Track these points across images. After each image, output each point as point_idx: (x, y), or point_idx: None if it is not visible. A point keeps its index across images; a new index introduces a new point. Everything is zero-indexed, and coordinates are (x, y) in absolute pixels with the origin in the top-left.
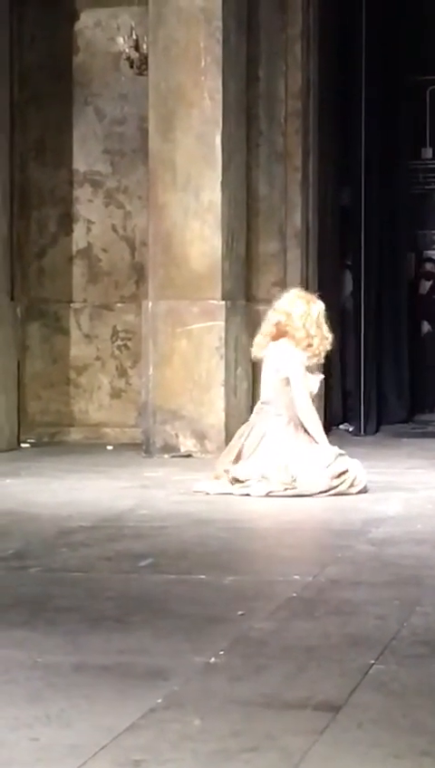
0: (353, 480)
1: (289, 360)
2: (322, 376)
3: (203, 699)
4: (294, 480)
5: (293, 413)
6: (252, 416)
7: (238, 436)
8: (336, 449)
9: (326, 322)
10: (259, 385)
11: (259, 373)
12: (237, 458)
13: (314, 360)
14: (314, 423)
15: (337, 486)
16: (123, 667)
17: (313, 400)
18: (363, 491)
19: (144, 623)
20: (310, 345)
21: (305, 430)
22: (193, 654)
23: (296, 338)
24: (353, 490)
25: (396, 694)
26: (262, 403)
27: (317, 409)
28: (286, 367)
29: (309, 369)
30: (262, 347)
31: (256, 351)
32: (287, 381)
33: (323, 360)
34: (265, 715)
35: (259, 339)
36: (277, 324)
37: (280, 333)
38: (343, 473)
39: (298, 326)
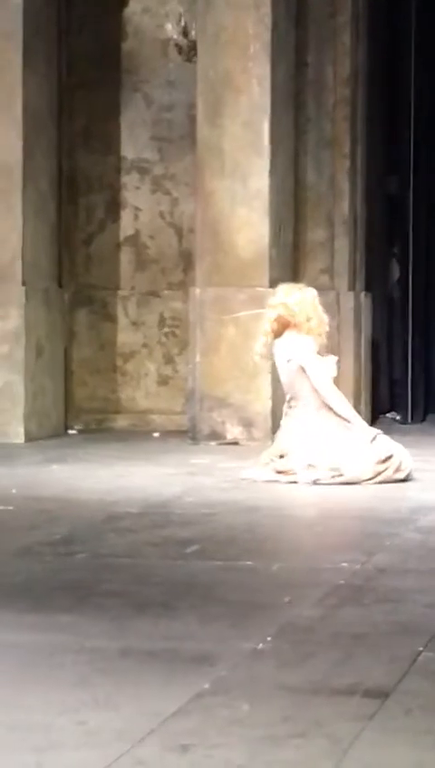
0: (399, 465)
1: (298, 349)
2: (335, 357)
3: (250, 685)
4: (340, 468)
5: (318, 399)
6: (283, 419)
7: (279, 434)
8: (372, 429)
9: (321, 306)
10: None
11: None
12: (282, 456)
13: (320, 341)
14: (343, 405)
15: (383, 472)
16: (170, 652)
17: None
18: (409, 477)
19: (191, 609)
20: (311, 328)
21: (336, 414)
22: (240, 640)
23: (299, 324)
24: (400, 475)
25: None
26: (287, 403)
27: (357, 395)
28: (297, 355)
29: (320, 354)
30: (266, 344)
31: (261, 352)
32: (302, 370)
33: (325, 341)
34: (313, 701)
35: (262, 340)
36: (277, 318)
37: (282, 327)
38: (388, 458)
39: (296, 312)
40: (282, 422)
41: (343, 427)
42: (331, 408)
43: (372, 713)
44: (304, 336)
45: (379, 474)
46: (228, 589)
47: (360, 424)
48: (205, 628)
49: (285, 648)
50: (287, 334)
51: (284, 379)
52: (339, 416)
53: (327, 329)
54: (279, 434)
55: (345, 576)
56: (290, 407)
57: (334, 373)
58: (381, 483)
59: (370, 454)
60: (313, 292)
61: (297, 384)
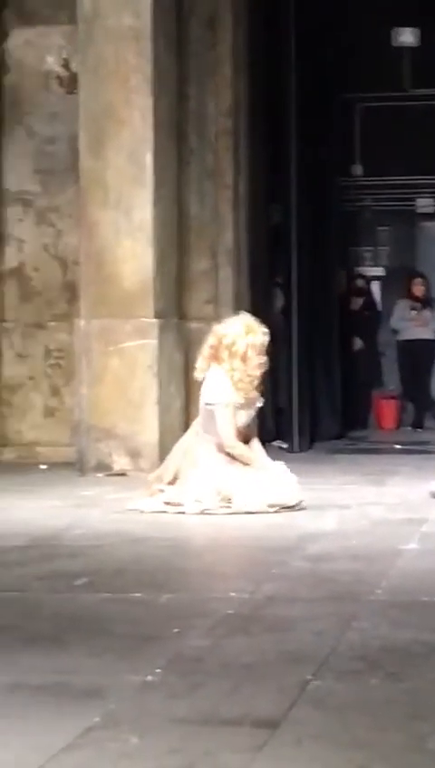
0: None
1: (214, 391)
2: (254, 407)
3: (140, 717)
4: (229, 500)
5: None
6: (187, 434)
7: (172, 456)
8: (278, 464)
9: (259, 356)
10: (193, 402)
11: (193, 391)
12: (173, 480)
13: (240, 394)
14: (241, 455)
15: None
16: (59, 686)
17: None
18: (298, 506)
19: (80, 642)
20: (232, 377)
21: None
22: (129, 672)
23: (223, 365)
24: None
25: (334, 709)
26: (197, 422)
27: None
28: (211, 397)
29: (244, 402)
30: (202, 369)
31: (197, 373)
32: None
33: (250, 394)
34: (202, 732)
35: (199, 361)
36: (211, 347)
37: (214, 357)
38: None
39: (222, 356)
40: (186, 436)
41: (243, 467)
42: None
43: (262, 743)
44: (225, 377)
45: (270, 506)
46: (117, 621)
47: (267, 465)
48: (94, 662)
49: (174, 679)
50: (215, 368)
51: (200, 409)
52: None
53: (254, 382)
54: (177, 447)
55: (234, 606)
56: (198, 432)
57: (243, 423)
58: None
59: (262, 486)
60: (255, 339)
61: (207, 421)
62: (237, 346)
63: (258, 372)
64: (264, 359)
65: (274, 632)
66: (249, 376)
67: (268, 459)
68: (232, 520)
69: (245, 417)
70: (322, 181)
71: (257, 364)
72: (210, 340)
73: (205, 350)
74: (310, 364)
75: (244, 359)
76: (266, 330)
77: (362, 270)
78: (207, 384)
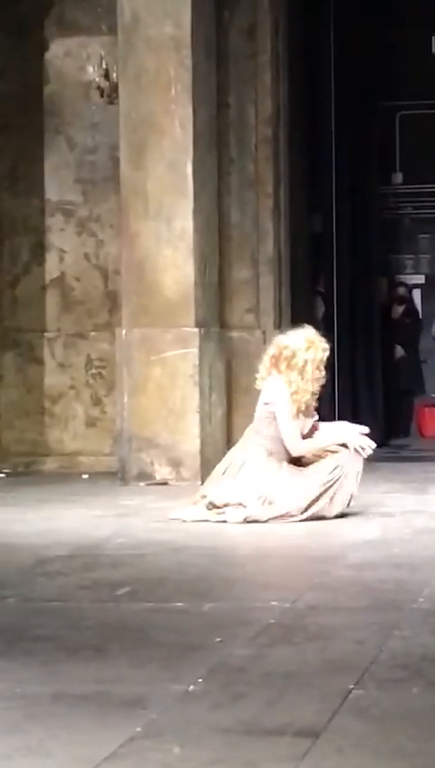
0: (333, 497)
1: (277, 396)
2: (313, 419)
3: (182, 727)
4: (271, 504)
5: (276, 447)
6: (241, 439)
7: (217, 471)
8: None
9: (317, 371)
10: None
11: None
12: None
13: (295, 406)
14: (309, 450)
15: (314, 505)
16: (102, 696)
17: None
18: (343, 512)
19: (122, 652)
20: (289, 388)
21: (292, 461)
22: (171, 682)
23: (282, 376)
24: (332, 510)
25: (376, 718)
26: (250, 429)
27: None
28: (274, 401)
29: (302, 411)
30: (262, 378)
31: (257, 382)
32: (274, 416)
33: (304, 407)
34: (245, 742)
35: (260, 369)
36: (272, 357)
37: (274, 366)
38: (323, 493)
39: (281, 367)
40: (240, 441)
41: (291, 474)
42: (285, 459)
43: (304, 752)
44: (284, 386)
45: (310, 506)
46: (160, 630)
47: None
48: (136, 671)
49: (217, 688)
50: (277, 375)
51: (256, 413)
52: (295, 463)
53: (308, 396)
54: (229, 452)
55: (276, 615)
56: (249, 437)
57: (305, 431)
58: (312, 518)
59: (302, 488)
60: (314, 354)
61: (264, 426)
62: (297, 359)
63: (316, 387)
64: (322, 374)
65: (316, 641)
66: (306, 390)
67: (331, 425)
68: (274, 528)
69: (307, 426)
70: (362, 189)
71: (315, 379)
72: (271, 350)
73: (265, 360)
74: (352, 372)
75: (301, 372)
76: (327, 345)
77: (403, 278)
78: (270, 388)
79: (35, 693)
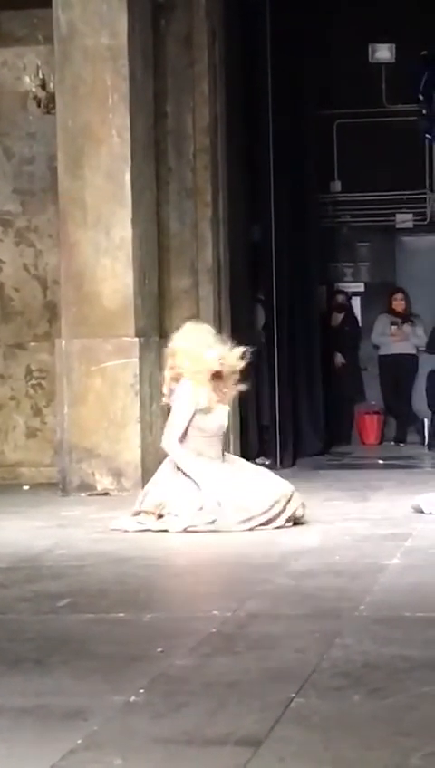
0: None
1: (176, 392)
2: (223, 412)
3: (124, 739)
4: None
5: (200, 446)
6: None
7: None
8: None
9: (203, 347)
10: None
11: None
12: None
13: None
14: (181, 461)
15: (252, 518)
16: (42, 708)
17: (217, 436)
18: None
19: (63, 664)
20: (198, 372)
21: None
22: (113, 693)
23: (188, 374)
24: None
25: (317, 727)
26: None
27: (226, 441)
28: (174, 399)
29: (211, 405)
30: (168, 394)
31: (165, 399)
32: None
33: (229, 374)
34: (186, 752)
35: (164, 388)
36: (171, 368)
37: (177, 375)
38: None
39: (181, 363)
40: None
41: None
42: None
43: (245, 762)
44: (196, 384)
45: (249, 519)
46: (101, 642)
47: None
48: (77, 683)
49: (158, 699)
50: (182, 380)
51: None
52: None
53: (213, 363)
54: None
55: (217, 624)
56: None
57: (212, 428)
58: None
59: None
60: (196, 337)
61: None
62: (185, 349)
63: (216, 352)
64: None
65: (257, 650)
66: (207, 361)
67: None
68: (214, 537)
69: (213, 422)
70: (301, 198)
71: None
72: (167, 363)
73: (166, 375)
74: (292, 380)
75: (191, 355)
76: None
77: (343, 286)
78: (175, 393)
79: None
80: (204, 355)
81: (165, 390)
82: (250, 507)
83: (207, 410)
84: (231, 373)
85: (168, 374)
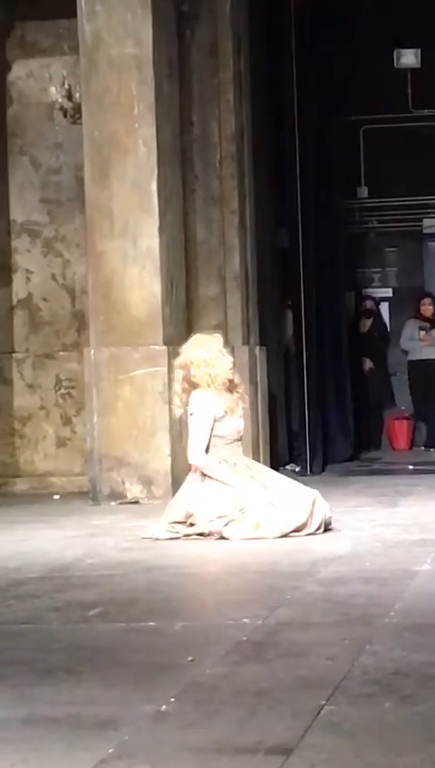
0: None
1: (192, 404)
2: (238, 415)
3: (154, 748)
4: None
5: (222, 452)
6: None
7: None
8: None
9: (219, 355)
10: None
11: None
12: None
13: (219, 389)
14: (208, 469)
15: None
16: (73, 718)
17: (237, 440)
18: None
19: (94, 673)
20: (217, 380)
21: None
22: (143, 702)
23: (203, 384)
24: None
25: (347, 734)
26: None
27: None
28: (192, 411)
29: (228, 412)
30: (181, 405)
31: (176, 411)
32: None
33: (228, 388)
34: (217, 761)
35: (175, 399)
36: (183, 379)
37: (191, 385)
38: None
39: (197, 372)
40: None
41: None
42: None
43: None
44: (210, 393)
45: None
46: (131, 651)
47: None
48: (108, 692)
49: (189, 708)
50: (195, 392)
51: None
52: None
53: (228, 375)
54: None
55: (247, 632)
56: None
57: (230, 432)
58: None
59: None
60: (210, 347)
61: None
62: (201, 360)
63: (218, 364)
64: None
65: (287, 658)
66: (221, 372)
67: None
68: (244, 545)
69: (231, 427)
70: (327, 204)
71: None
72: (178, 375)
73: (177, 387)
74: (321, 387)
75: (208, 364)
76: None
77: (370, 291)
78: (190, 403)
79: (6, 716)
80: (222, 364)
81: (177, 402)
82: (289, 519)
83: (223, 417)
84: (240, 380)
85: (178, 386)
